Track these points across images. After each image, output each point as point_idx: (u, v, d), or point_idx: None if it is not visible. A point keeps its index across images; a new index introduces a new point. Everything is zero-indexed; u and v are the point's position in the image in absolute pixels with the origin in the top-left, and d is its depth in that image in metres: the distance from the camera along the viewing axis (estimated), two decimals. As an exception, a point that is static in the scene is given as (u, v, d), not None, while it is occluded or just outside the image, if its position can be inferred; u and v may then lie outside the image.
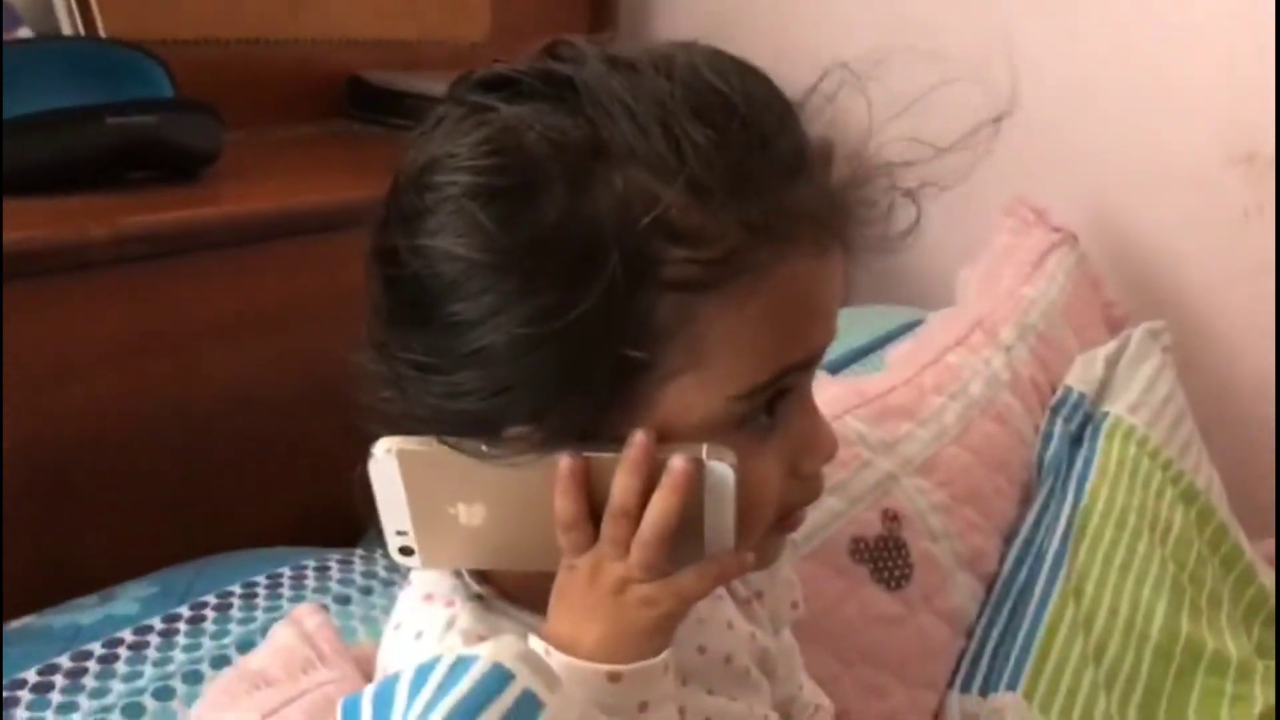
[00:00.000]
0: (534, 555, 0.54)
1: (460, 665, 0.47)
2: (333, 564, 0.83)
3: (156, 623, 0.74)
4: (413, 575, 0.59)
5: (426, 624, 0.56)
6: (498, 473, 0.51)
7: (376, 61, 1.46)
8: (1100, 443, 1.15)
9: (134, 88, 1.05)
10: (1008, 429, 1.13)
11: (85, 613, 0.76)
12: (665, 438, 0.50)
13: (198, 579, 0.80)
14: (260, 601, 0.78)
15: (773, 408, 0.52)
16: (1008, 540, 1.08)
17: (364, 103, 1.44)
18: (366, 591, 0.81)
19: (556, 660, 0.50)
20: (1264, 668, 1.06)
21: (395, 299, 0.52)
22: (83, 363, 0.89)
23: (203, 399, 0.97)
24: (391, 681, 0.49)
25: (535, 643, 0.51)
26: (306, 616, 0.71)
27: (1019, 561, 1.05)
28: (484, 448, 0.51)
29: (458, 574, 0.57)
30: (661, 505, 0.50)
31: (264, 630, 0.73)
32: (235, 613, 0.77)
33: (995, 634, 0.99)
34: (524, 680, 0.46)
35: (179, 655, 0.72)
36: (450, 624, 0.55)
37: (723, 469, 0.50)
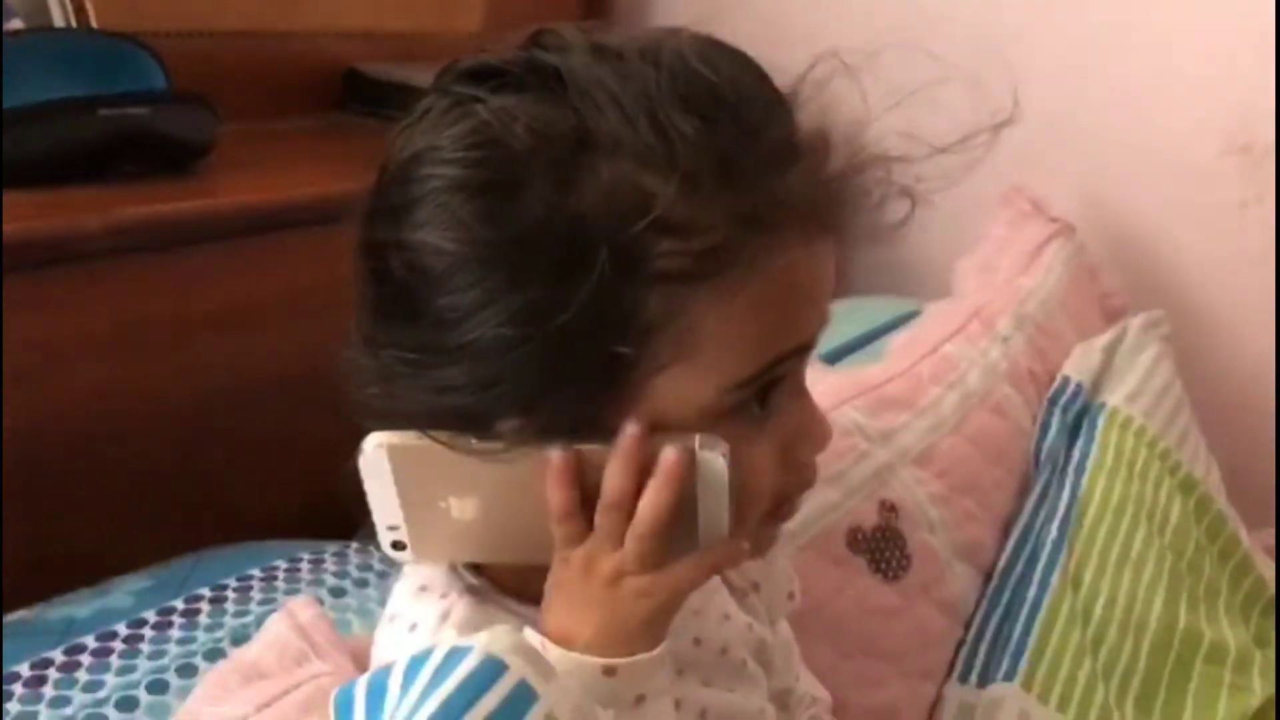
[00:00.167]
0: (527, 548, 0.53)
1: (454, 656, 0.47)
2: (328, 557, 0.83)
3: (151, 616, 0.74)
4: (406, 568, 0.58)
5: (421, 616, 0.55)
6: (489, 466, 0.50)
7: (372, 53, 1.45)
8: (1098, 433, 1.15)
9: (127, 80, 1.04)
10: (1005, 419, 1.13)
11: (79, 606, 0.75)
12: (657, 429, 0.50)
13: (193, 572, 0.80)
14: (255, 595, 0.78)
15: (765, 397, 0.52)
16: (1006, 531, 1.08)
17: (360, 95, 1.44)
18: (361, 584, 0.81)
19: (552, 654, 0.50)
20: (1262, 657, 1.06)
21: (383, 293, 0.51)
22: (76, 355, 0.89)
23: (198, 391, 0.97)
24: (385, 672, 0.48)
25: (531, 636, 0.51)
26: (301, 609, 0.70)
27: (1017, 552, 1.05)
28: (475, 442, 0.50)
29: (452, 566, 0.57)
30: (654, 497, 0.49)
31: (259, 623, 0.73)
32: (230, 606, 0.77)
33: (993, 624, 0.99)
34: (518, 671, 0.46)
35: (173, 648, 0.71)
36: (445, 616, 0.55)
37: (715, 459, 0.49)
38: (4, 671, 0.68)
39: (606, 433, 0.50)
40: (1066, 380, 1.21)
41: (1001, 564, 1.04)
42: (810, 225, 0.50)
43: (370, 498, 0.53)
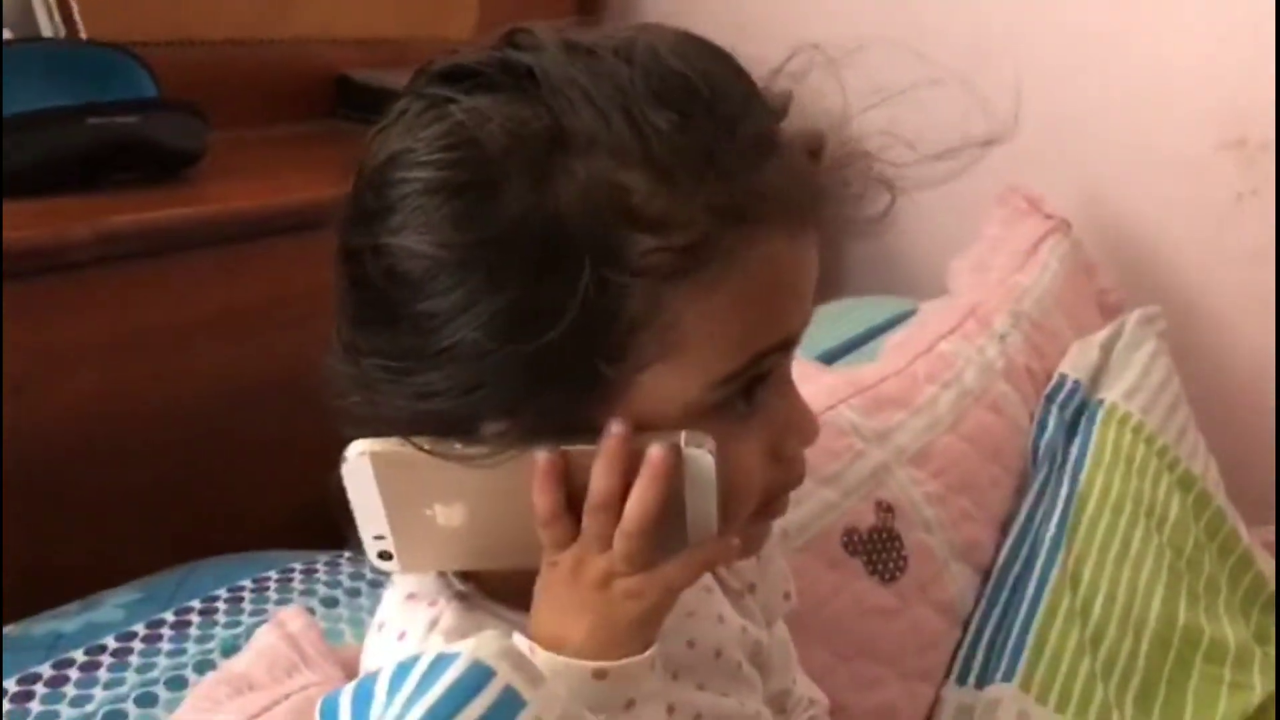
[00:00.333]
0: (516, 553, 0.53)
1: (440, 662, 0.46)
2: (320, 566, 0.83)
3: (140, 629, 0.74)
4: (396, 575, 0.58)
5: (410, 624, 0.55)
6: (475, 472, 0.50)
7: (364, 60, 1.45)
8: (1095, 430, 1.15)
9: (117, 89, 1.04)
10: (1002, 417, 1.13)
11: (67, 620, 0.75)
12: (643, 427, 0.49)
13: (183, 584, 0.80)
14: (246, 605, 0.77)
15: (751, 393, 0.52)
16: (1003, 530, 1.07)
17: (352, 101, 1.43)
18: (353, 594, 0.80)
19: (541, 658, 0.49)
20: (1262, 654, 1.06)
21: (362, 299, 0.51)
22: (67, 364, 0.89)
23: (189, 400, 0.96)
24: (370, 680, 0.48)
25: (520, 640, 0.50)
26: (290, 619, 0.70)
27: (1015, 551, 1.04)
28: (459, 447, 0.50)
29: (442, 573, 0.56)
30: (641, 496, 0.49)
31: (249, 634, 0.73)
32: (220, 617, 0.76)
33: (991, 625, 0.98)
34: (505, 677, 0.46)
35: (162, 661, 0.71)
36: (433, 624, 0.54)
37: (702, 455, 0.49)
38: (-5, 686, 0.67)
39: (592, 433, 0.49)
40: (1064, 377, 1.21)
41: (999, 563, 1.04)
42: (790, 217, 0.50)
43: (354, 507, 0.53)
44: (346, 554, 0.86)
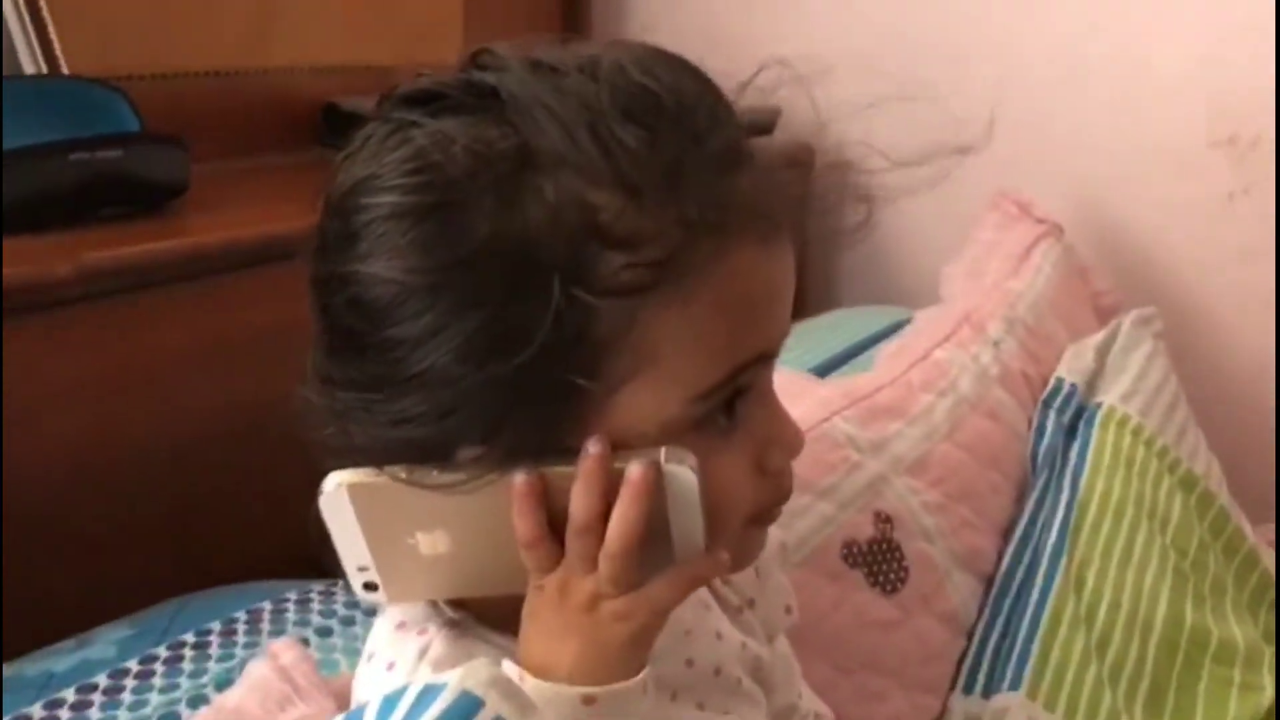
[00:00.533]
0: (502, 579, 0.52)
1: (428, 693, 0.46)
2: (314, 596, 0.82)
3: (133, 665, 0.73)
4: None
5: (399, 654, 0.54)
6: (455, 498, 0.49)
7: (350, 87, 1.45)
8: (1094, 433, 1.14)
9: (99, 123, 1.04)
10: (999, 424, 1.12)
11: (60, 659, 0.74)
12: (622, 445, 0.49)
13: (176, 618, 0.79)
14: (240, 638, 0.77)
15: (732, 406, 0.51)
16: (1005, 537, 1.06)
17: (339, 129, 1.42)
18: (348, 622, 0.80)
19: (529, 685, 0.49)
20: (1271, 654, 1.05)
21: (334, 327, 0.50)
22: (53, 402, 0.88)
23: (178, 433, 0.96)
24: (358, 714, 0.48)
25: (509, 667, 0.50)
26: (283, 651, 0.69)
27: (1017, 558, 1.03)
28: (437, 474, 0.49)
29: (432, 600, 0.56)
30: (623, 516, 0.48)
31: (243, 667, 0.72)
32: (214, 650, 0.75)
33: (995, 633, 0.97)
34: (494, 707, 0.45)
35: (155, 697, 0.70)
36: (423, 653, 0.54)
37: (683, 472, 0.48)
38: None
39: (571, 453, 0.49)
40: (1060, 382, 1.20)
41: (1002, 570, 1.03)
42: (762, 227, 0.49)
43: (335, 540, 0.52)
44: (341, 583, 0.85)
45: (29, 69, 1.09)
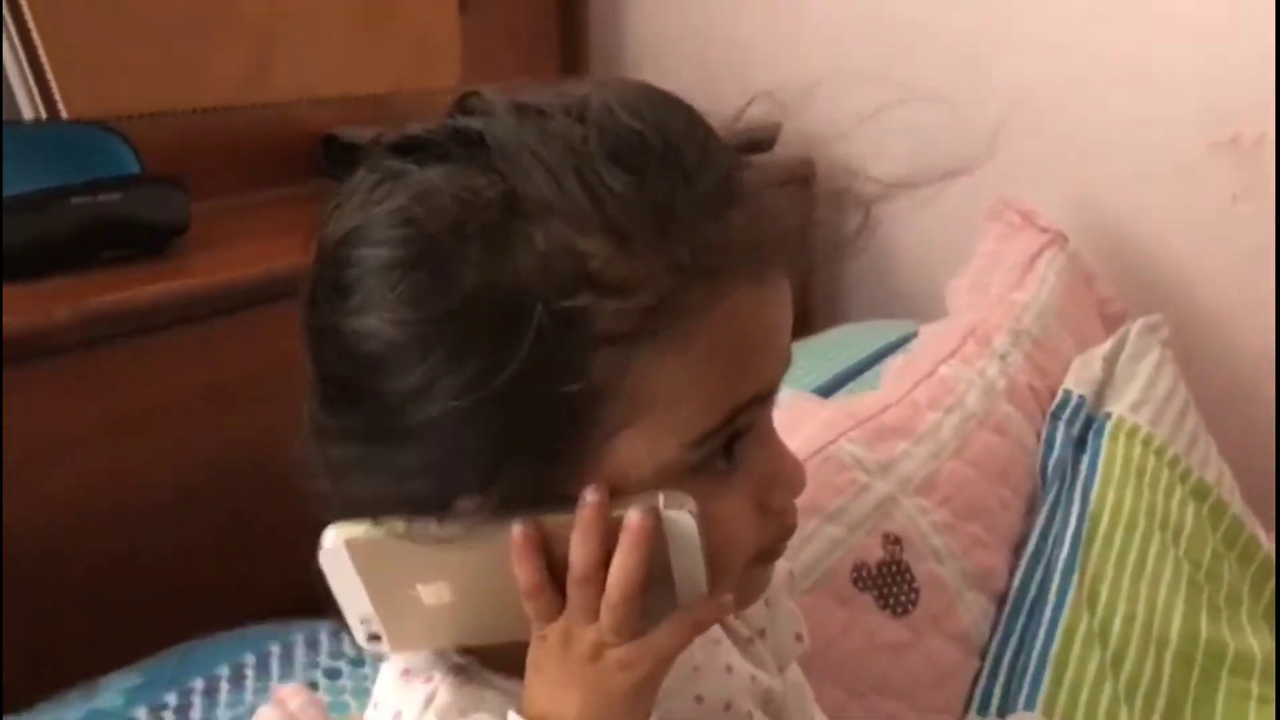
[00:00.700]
0: (505, 627, 0.52)
1: (432, 748, 0.45)
2: (322, 637, 0.82)
3: (143, 714, 0.73)
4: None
5: (405, 703, 0.54)
6: (454, 549, 0.49)
7: (349, 117, 1.45)
8: (1104, 445, 1.13)
9: (99, 166, 1.04)
10: (1008, 438, 1.11)
11: (68, 709, 0.74)
12: (620, 491, 0.48)
13: (184, 664, 0.79)
14: (249, 683, 0.77)
15: (730, 449, 0.50)
16: (1016, 553, 1.05)
17: (340, 160, 1.43)
18: (357, 663, 0.80)
19: None
20: (1287, 664, 1.04)
21: (328, 378, 0.50)
22: (55, 449, 0.88)
23: (182, 476, 0.95)
24: (362, 767, 0.47)
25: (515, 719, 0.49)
26: (291, 697, 0.69)
27: (1029, 574, 1.03)
28: (435, 527, 0.49)
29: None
30: (623, 563, 0.48)
31: (253, 712, 0.72)
32: (223, 696, 0.75)
33: (1009, 652, 0.97)
34: (499, 759, 0.45)
35: (165, 747, 0.70)
36: (429, 701, 0.53)
37: (682, 517, 0.48)
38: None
39: (569, 501, 0.48)
40: (1068, 393, 1.19)
41: (1014, 588, 1.02)
42: (756, 266, 0.49)
43: (336, 593, 0.52)
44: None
45: (28, 114, 1.09)
